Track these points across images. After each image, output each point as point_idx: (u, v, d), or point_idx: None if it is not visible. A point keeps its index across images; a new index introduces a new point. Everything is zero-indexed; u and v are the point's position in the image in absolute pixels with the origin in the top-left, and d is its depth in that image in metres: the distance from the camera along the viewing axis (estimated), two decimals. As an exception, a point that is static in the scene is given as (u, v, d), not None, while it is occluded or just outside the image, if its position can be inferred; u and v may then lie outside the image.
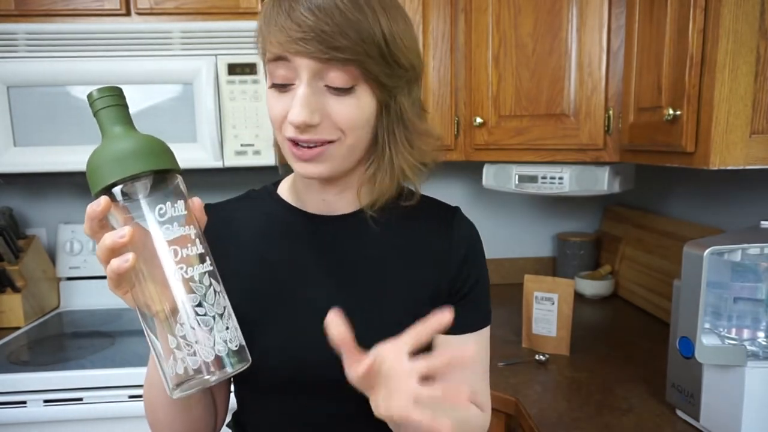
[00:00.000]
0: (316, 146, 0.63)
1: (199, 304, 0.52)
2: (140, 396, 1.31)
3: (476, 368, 0.76)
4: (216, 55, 1.48)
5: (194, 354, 0.51)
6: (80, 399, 1.30)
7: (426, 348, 0.74)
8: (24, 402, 1.29)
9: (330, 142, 0.63)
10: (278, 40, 0.59)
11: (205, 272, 0.53)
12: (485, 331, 0.77)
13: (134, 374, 1.30)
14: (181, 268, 0.51)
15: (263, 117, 1.50)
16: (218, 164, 1.51)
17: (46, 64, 1.44)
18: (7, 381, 1.28)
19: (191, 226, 0.53)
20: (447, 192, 1.97)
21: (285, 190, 0.78)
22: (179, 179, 0.55)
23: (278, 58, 0.61)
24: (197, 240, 0.54)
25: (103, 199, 0.50)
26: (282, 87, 0.63)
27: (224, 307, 0.54)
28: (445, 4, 1.54)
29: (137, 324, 1.77)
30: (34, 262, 1.71)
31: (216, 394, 0.77)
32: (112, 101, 0.53)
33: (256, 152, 1.52)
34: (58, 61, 1.44)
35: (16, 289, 1.61)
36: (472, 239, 0.77)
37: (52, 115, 1.45)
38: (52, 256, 1.82)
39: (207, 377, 0.52)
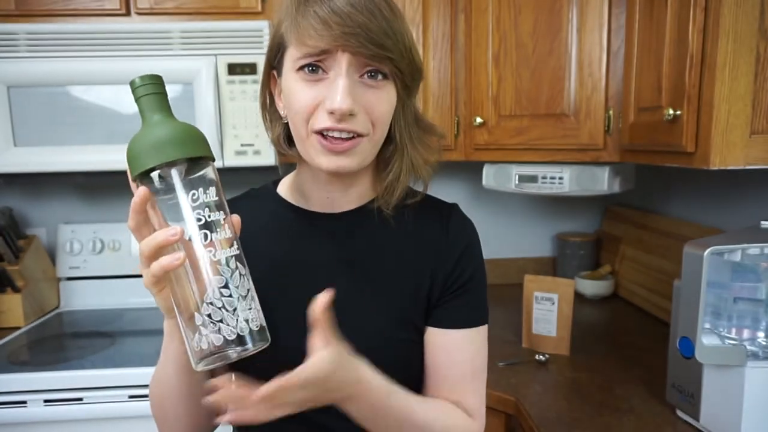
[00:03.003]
0: (349, 139, 0.64)
1: (225, 286, 0.55)
2: (140, 396, 1.31)
3: (464, 367, 0.73)
4: (216, 55, 1.48)
5: (218, 332, 0.55)
6: (80, 399, 1.30)
7: (419, 341, 0.74)
8: (24, 402, 1.29)
9: (361, 136, 0.65)
10: (318, 32, 0.60)
11: (232, 256, 0.56)
12: (479, 331, 0.75)
13: (134, 374, 1.30)
14: (210, 251, 0.54)
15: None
16: (218, 164, 1.51)
17: (47, 64, 1.44)
18: (7, 381, 1.28)
19: (221, 212, 0.56)
20: (447, 192, 1.97)
21: (285, 189, 0.78)
22: (212, 166, 0.57)
23: (317, 50, 0.61)
24: (226, 225, 0.57)
25: (142, 190, 0.53)
26: (312, 75, 0.63)
27: (248, 290, 0.57)
28: (445, 4, 1.54)
29: (137, 324, 1.76)
30: (34, 262, 1.71)
31: None
32: (152, 89, 0.56)
33: (256, 152, 1.52)
34: (59, 61, 1.44)
35: (16, 289, 1.61)
36: (469, 236, 0.77)
37: (52, 115, 1.45)
38: (52, 256, 1.82)
39: (229, 353, 0.55)
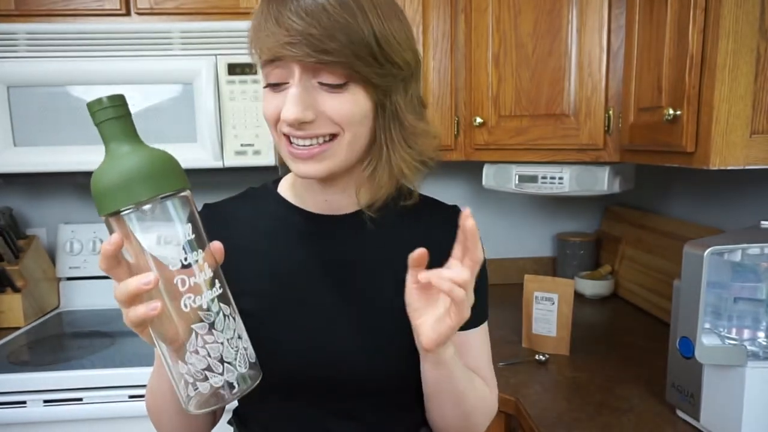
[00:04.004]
0: (314, 145, 0.64)
1: (209, 332, 0.52)
2: (140, 396, 1.31)
3: (483, 357, 0.79)
4: (216, 55, 1.48)
5: (205, 379, 0.52)
6: (80, 399, 1.30)
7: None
8: (24, 402, 1.29)
9: (333, 136, 0.64)
10: (268, 45, 0.61)
11: (214, 297, 0.52)
12: (485, 326, 0.81)
13: (134, 374, 1.30)
14: (189, 297, 0.50)
15: (263, 117, 1.51)
16: (218, 164, 1.51)
17: (46, 64, 1.44)
18: (7, 381, 1.28)
19: (200, 251, 0.52)
20: (447, 192, 1.97)
21: (286, 188, 0.78)
22: (188, 195, 0.52)
23: (271, 61, 0.62)
24: (206, 264, 0.52)
25: (115, 237, 0.49)
26: (276, 86, 0.64)
27: (234, 330, 0.54)
28: (445, 4, 1.54)
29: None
30: (34, 262, 1.71)
31: None
32: (114, 113, 0.50)
33: (256, 152, 1.52)
34: (58, 61, 1.44)
35: (16, 289, 1.61)
36: None
37: (52, 115, 1.45)
38: (52, 256, 1.82)
39: (220, 396, 0.53)
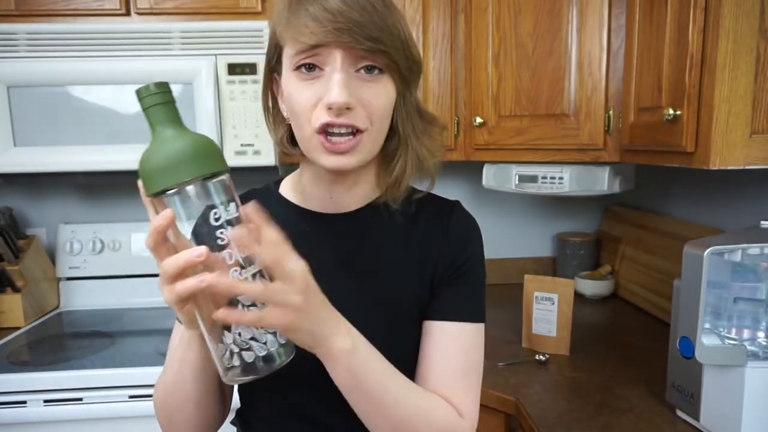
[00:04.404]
0: (349, 136, 0.64)
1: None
2: (140, 396, 1.31)
3: (453, 362, 0.71)
4: (216, 55, 1.48)
5: (249, 349, 0.55)
6: (80, 399, 1.30)
7: (416, 336, 0.74)
8: (24, 402, 1.29)
9: (359, 131, 0.65)
10: (311, 30, 0.61)
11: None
12: (473, 327, 0.73)
13: (134, 374, 1.30)
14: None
15: (263, 117, 1.51)
16: (218, 164, 1.51)
17: (46, 64, 1.44)
18: (7, 381, 1.28)
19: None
20: (447, 192, 1.94)
21: (288, 189, 0.78)
22: (228, 177, 0.56)
23: (309, 47, 0.62)
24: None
25: (168, 212, 0.51)
26: (309, 74, 0.64)
27: None
28: (445, 4, 1.54)
29: (137, 324, 1.76)
30: (34, 262, 1.71)
31: (225, 389, 0.77)
32: (161, 99, 0.53)
33: (256, 152, 1.52)
34: (58, 61, 1.44)
35: (16, 289, 1.61)
36: (468, 232, 0.77)
37: (52, 115, 1.45)
38: (52, 256, 1.82)
39: (260, 368, 0.55)
